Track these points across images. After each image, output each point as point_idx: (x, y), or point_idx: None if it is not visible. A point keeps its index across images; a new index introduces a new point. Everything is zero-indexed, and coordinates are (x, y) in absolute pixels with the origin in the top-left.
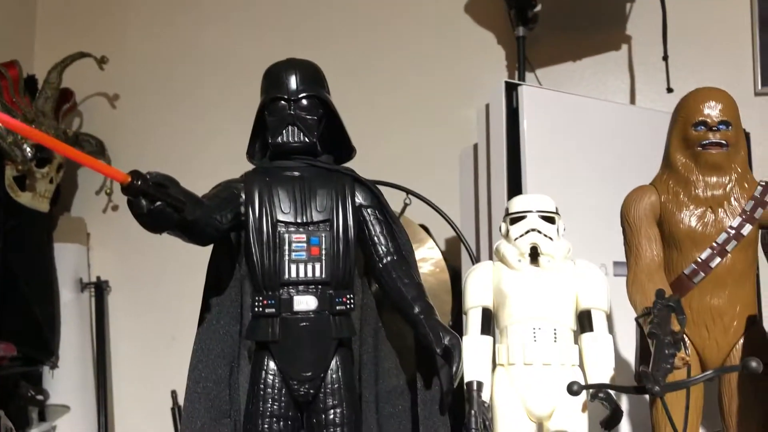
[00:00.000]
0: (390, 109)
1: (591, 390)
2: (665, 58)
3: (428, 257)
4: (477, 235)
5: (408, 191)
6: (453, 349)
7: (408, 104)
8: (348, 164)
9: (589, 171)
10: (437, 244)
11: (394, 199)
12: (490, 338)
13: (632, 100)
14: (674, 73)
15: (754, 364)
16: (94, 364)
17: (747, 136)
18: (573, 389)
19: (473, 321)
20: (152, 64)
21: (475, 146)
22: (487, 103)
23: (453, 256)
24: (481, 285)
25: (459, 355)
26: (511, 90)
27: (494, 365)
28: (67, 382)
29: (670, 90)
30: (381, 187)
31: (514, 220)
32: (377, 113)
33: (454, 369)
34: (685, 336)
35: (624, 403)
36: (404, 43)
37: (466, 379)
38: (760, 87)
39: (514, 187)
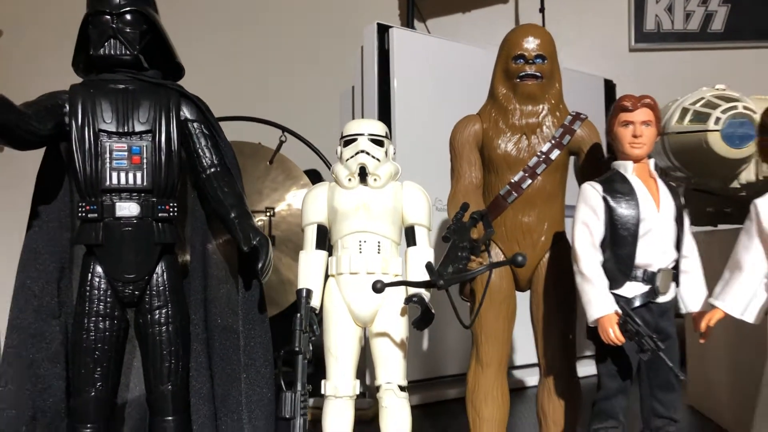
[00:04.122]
0: (274, 50)
1: (406, 294)
2: (542, 10)
3: (300, 195)
4: None
5: (283, 129)
6: (261, 247)
7: (293, 46)
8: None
9: (460, 112)
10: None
11: (270, 137)
12: (323, 252)
13: None
14: (553, 26)
15: (519, 258)
16: None
17: (613, 87)
18: (376, 287)
19: (309, 237)
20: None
21: (353, 88)
22: (362, 45)
23: None
24: (316, 204)
25: (266, 253)
26: (383, 32)
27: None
28: None
29: None
30: (255, 125)
31: (347, 143)
32: (259, 51)
33: (260, 265)
34: (500, 249)
35: None
36: None
37: (297, 288)
38: (633, 43)
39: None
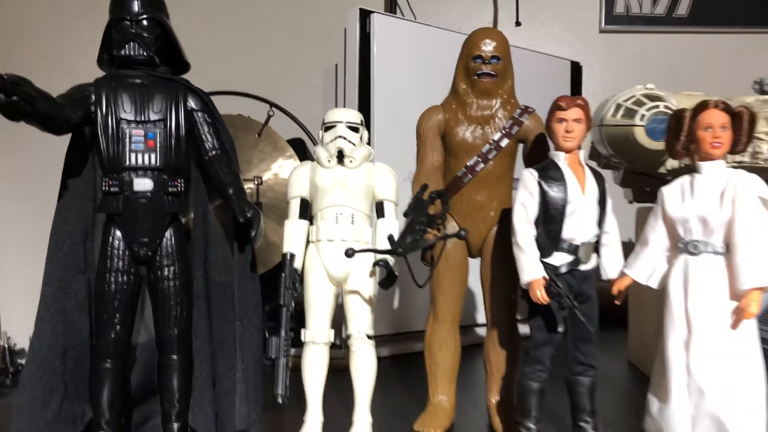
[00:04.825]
0: (263, 29)
1: (374, 259)
2: None
3: (286, 165)
4: None
5: (271, 103)
6: (253, 219)
7: (279, 23)
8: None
9: (435, 93)
10: (310, 155)
11: (259, 111)
12: (305, 222)
13: None
14: (527, 8)
15: (462, 233)
16: None
17: (579, 69)
18: (348, 253)
19: (293, 208)
20: None
21: (336, 66)
22: (345, 28)
23: None
24: (300, 180)
25: (258, 224)
26: (365, 16)
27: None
28: None
29: (518, 23)
30: (245, 99)
31: (327, 129)
32: (247, 28)
33: (253, 234)
34: (456, 222)
35: None
36: None
37: (283, 252)
38: (603, 25)
39: (365, 108)
